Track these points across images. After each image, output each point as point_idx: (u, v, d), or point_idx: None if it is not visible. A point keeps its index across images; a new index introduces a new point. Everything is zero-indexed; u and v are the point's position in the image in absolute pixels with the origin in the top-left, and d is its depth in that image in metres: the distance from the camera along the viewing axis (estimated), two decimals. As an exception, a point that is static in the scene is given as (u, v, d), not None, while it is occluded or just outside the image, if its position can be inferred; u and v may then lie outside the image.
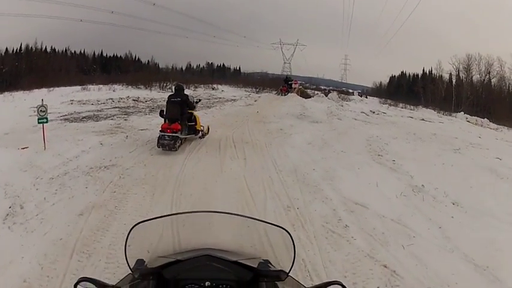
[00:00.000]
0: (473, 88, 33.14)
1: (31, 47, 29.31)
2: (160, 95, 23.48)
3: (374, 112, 20.63)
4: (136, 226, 1.43)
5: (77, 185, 5.79)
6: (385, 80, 44.98)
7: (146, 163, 6.89)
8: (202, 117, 10.40)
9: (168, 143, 7.72)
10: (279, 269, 1.35)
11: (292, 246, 1.38)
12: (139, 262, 1.38)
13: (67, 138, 8.50)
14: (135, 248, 1.41)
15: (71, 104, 16.18)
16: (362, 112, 19.46)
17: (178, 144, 7.93)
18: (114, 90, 23.65)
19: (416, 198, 5.72)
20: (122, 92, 23.34)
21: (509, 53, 29.09)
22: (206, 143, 8.81)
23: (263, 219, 1.52)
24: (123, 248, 1.38)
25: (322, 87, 43.47)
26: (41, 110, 7.76)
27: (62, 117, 12.20)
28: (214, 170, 6.62)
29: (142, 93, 23.96)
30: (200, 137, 9.07)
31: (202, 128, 9.21)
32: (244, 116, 14.38)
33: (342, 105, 21.66)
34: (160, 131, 7.90)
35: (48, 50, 30.70)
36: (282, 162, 7.27)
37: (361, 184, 6.32)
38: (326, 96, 26.38)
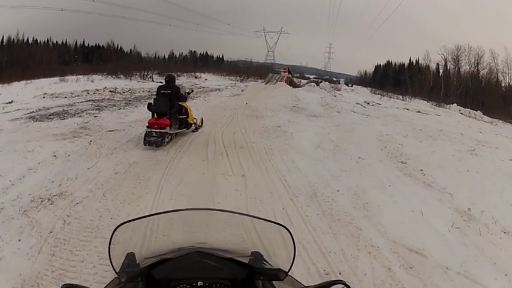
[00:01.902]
0: (461, 79, 32.13)
1: (13, 39, 27.91)
2: (139, 85, 21.39)
3: (369, 103, 19.08)
4: (119, 227, 1.26)
5: (8, 236, 3.54)
6: (370, 69, 43.78)
7: (106, 190, 4.67)
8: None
9: (155, 140, 6.70)
10: (277, 267, 1.22)
11: (293, 244, 1.22)
12: (126, 262, 1.24)
13: (17, 149, 6.16)
14: (119, 250, 1.27)
15: (43, 98, 14.22)
16: (358, 103, 17.88)
17: (167, 140, 6.99)
18: (92, 81, 22.36)
19: (471, 232, 4.30)
20: (100, 82, 22.01)
21: (502, 45, 28.06)
22: (189, 149, 6.69)
23: (261, 217, 1.31)
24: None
25: (306, 75, 41.96)
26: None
27: (28, 115, 10.14)
28: (201, 201, 4.45)
29: (121, 83, 22.40)
30: (193, 131, 8.23)
31: (195, 120, 8.37)
32: (232, 108, 12.31)
33: (335, 96, 19.91)
34: (147, 126, 6.91)
35: (30, 41, 29.76)
36: (293, 179, 5.24)
37: (404, 213, 4.57)
38: (317, 85, 24.38)
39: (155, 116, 7.13)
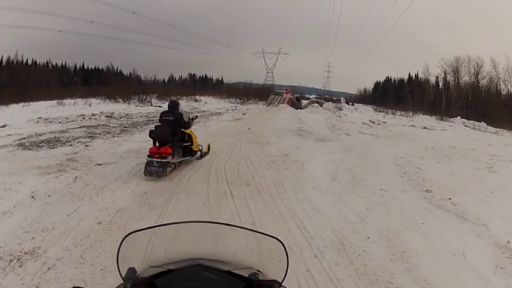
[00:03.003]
0: (461, 90, 31.58)
1: (12, 60, 27.43)
2: (137, 110, 20.66)
3: (374, 122, 18.31)
4: (128, 236, 1.34)
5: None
6: (370, 86, 43.46)
7: (85, 249, 3.72)
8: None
9: (156, 170, 6.19)
10: (272, 278, 1.24)
11: (286, 256, 1.26)
12: (131, 271, 1.28)
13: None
14: (127, 258, 1.30)
15: (37, 122, 13.45)
16: (363, 123, 17.08)
17: (169, 169, 6.53)
18: (90, 105, 21.93)
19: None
20: (97, 106, 21.40)
21: (503, 53, 27.61)
22: (188, 188, 5.74)
23: (256, 230, 1.38)
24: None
25: (306, 95, 41.56)
26: None
27: (18, 141, 9.42)
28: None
29: (118, 107, 21.67)
30: (198, 158, 7.81)
31: (200, 147, 7.93)
32: (234, 135, 11.46)
33: (340, 116, 19.12)
34: (147, 155, 6.44)
35: (30, 62, 29.28)
36: (314, 225, 4.31)
37: (446, 259, 3.82)
38: (321, 106, 23.62)
39: (157, 144, 6.62)
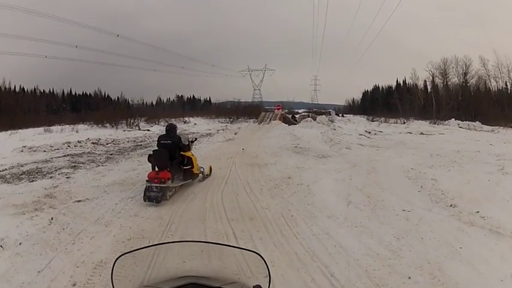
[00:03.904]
0: (450, 92, 31.48)
1: (0, 87, 26.70)
2: (125, 135, 19.82)
3: (370, 132, 17.72)
4: (120, 257, 1.39)
5: None
6: (358, 96, 43.37)
7: None
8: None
9: (155, 196, 6.01)
10: None
11: (266, 267, 1.38)
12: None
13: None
14: (120, 279, 1.36)
15: (21, 151, 12.94)
16: (360, 134, 16.42)
17: (170, 194, 6.34)
18: (77, 131, 21.22)
19: None
20: (84, 133, 20.68)
21: (491, 49, 27.66)
22: (180, 228, 4.80)
23: (237, 246, 1.59)
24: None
25: (295, 110, 41.16)
26: None
27: None
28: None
29: (106, 133, 20.93)
30: (200, 181, 7.61)
31: (202, 169, 7.75)
32: (228, 157, 10.61)
33: (335, 129, 18.43)
34: (146, 180, 6.29)
35: (17, 89, 28.58)
36: (342, 269, 3.40)
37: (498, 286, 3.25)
38: (314, 120, 22.98)
39: (156, 169, 6.43)
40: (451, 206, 5.55)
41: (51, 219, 5.12)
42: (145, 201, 6.01)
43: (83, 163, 10.35)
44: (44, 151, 13.24)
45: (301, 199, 5.79)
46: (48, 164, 10.21)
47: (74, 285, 3.45)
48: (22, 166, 10.02)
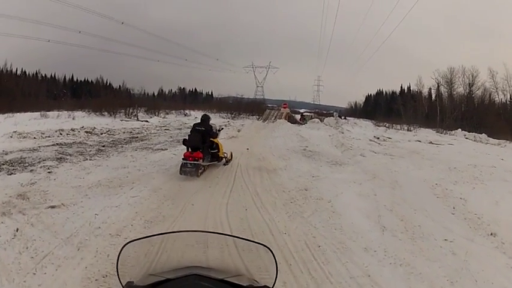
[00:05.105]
0: (455, 102, 30.65)
1: (1, 69, 25.71)
2: (121, 125, 18.76)
3: (379, 138, 16.82)
4: (126, 245, 1.36)
5: None
6: (361, 100, 42.47)
7: None
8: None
9: (190, 170, 7.19)
10: (263, 284, 1.27)
11: (274, 261, 1.31)
12: (129, 284, 1.27)
13: None
14: (126, 266, 1.34)
15: (11, 137, 11.95)
16: (370, 140, 15.49)
17: (200, 171, 7.45)
18: (73, 118, 20.23)
19: None
20: (81, 120, 19.83)
21: (501, 62, 26.88)
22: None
23: (245, 237, 1.43)
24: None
25: (296, 109, 40.22)
26: None
27: None
28: None
29: (102, 122, 19.88)
30: (224, 164, 8.74)
31: (225, 154, 8.85)
32: (232, 157, 9.65)
33: (343, 132, 17.48)
34: (183, 158, 7.36)
35: (19, 72, 27.54)
36: None
37: None
38: (321, 121, 21.96)
39: (189, 150, 7.47)
40: (491, 234, 4.85)
41: (16, 230, 4.10)
42: (181, 174, 7.11)
43: (70, 155, 9.37)
44: (34, 138, 12.29)
45: (326, 221, 4.79)
46: (33, 154, 9.26)
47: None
48: (6, 154, 9.10)
